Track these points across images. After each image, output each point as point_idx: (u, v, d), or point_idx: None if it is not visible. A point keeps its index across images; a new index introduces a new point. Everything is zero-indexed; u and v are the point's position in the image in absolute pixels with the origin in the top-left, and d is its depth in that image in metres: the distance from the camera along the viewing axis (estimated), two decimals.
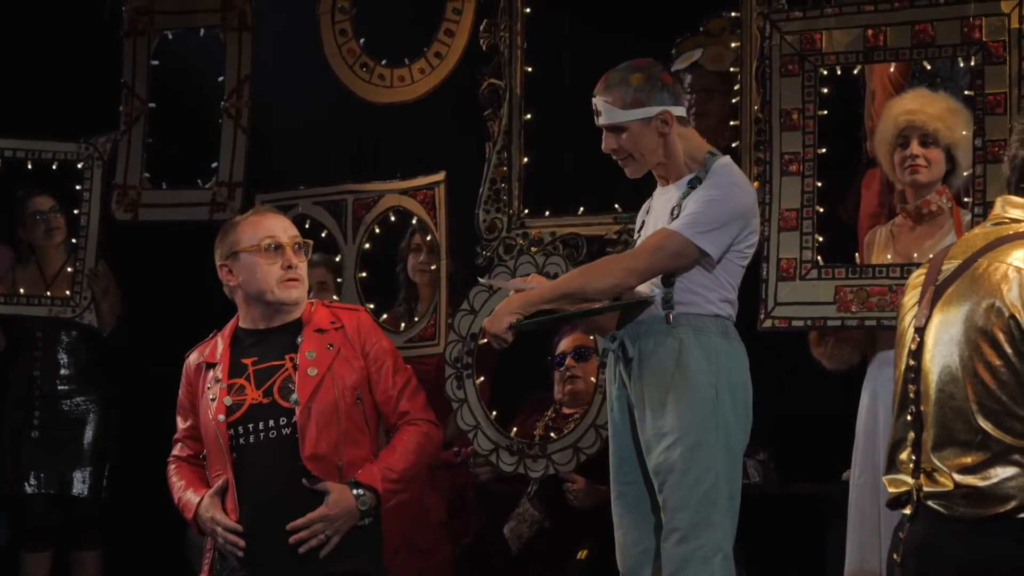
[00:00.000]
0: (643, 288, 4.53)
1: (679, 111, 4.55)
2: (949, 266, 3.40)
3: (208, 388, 4.64)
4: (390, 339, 4.93)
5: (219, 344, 4.71)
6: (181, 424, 4.81)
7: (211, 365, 4.68)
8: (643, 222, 4.71)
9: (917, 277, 3.51)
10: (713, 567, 4.40)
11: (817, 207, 5.44)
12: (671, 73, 4.68)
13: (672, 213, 4.50)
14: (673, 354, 4.45)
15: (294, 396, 4.55)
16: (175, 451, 4.83)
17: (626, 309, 4.60)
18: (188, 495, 4.68)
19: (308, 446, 4.53)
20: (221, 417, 4.56)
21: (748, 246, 4.55)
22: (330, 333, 4.66)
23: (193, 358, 4.78)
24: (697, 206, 4.45)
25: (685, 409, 4.41)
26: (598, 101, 4.56)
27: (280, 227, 4.69)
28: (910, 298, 3.48)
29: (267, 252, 4.63)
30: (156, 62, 7.05)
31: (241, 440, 4.57)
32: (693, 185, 4.51)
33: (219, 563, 4.64)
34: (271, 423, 4.56)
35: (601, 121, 4.57)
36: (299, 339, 4.64)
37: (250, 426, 4.56)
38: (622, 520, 4.60)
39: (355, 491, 4.54)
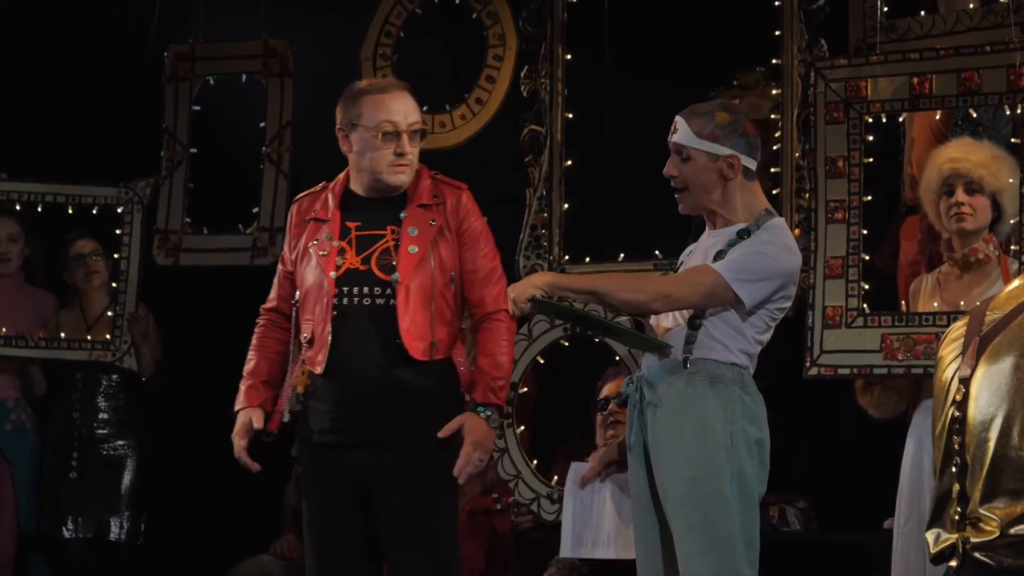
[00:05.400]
0: (670, 332, 4.51)
1: (750, 163, 4.51)
2: (993, 316, 3.37)
3: (317, 242, 4.69)
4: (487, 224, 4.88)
5: (329, 202, 4.75)
6: (280, 268, 4.87)
7: (320, 220, 4.73)
8: (682, 262, 4.70)
9: (957, 330, 3.47)
10: None
11: (863, 255, 5.43)
12: (755, 126, 4.64)
13: (715, 258, 4.49)
14: (689, 400, 4.41)
15: (395, 276, 4.59)
16: (270, 296, 4.89)
17: (643, 345, 4.59)
18: (245, 388, 4.77)
19: (405, 321, 4.57)
20: (333, 274, 4.61)
21: (779, 308, 4.50)
22: (432, 209, 4.69)
23: (303, 208, 4.81)
24: (744, 254, 4.44)
25: (701, 456, 4.37)
26: (680, 119, 4.56)
27: (402, 112, 4.68)
28: (950, 351, 3.44)
29: (384, 137, 4.65)
30: (197, 107, 7.10)
31: (345, 300, 4.61)
32: (742, 236, 4.47)
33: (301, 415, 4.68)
34: (365, 290, 4.60)
35: (674, 138, 4.55)
36: (403, 214, 4.67)
37: (344, 288, 4.61)
38: (643, 566, 4.55)
39: (482, 414, 4.62)
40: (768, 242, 4.45)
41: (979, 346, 3.35)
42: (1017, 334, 3.30)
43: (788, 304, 4.54)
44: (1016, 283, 3.47)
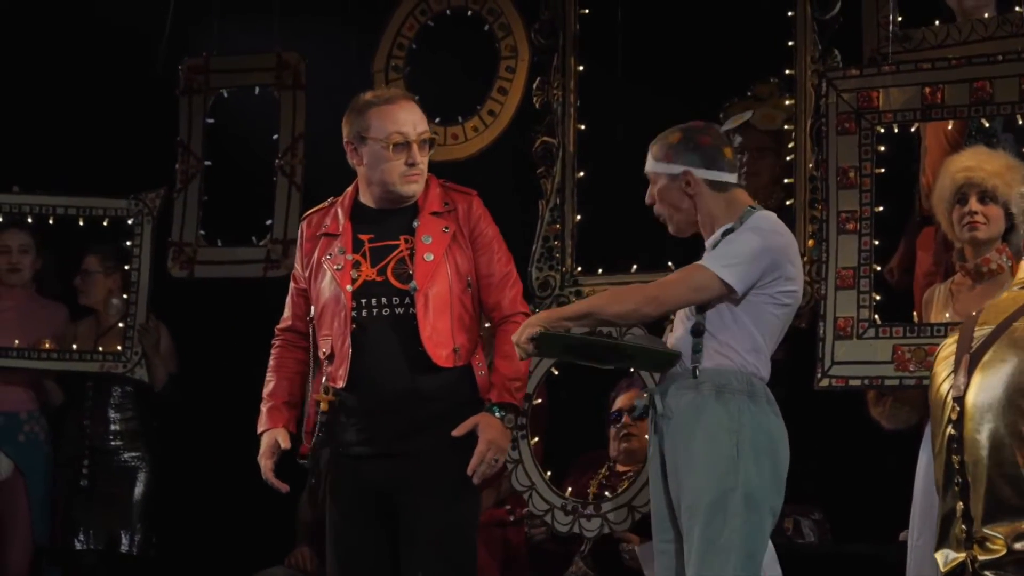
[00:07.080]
0: (676, 343, 4.49)
1: (710, 175, 4.47)
2: (982, 332, 3.37)
3: (330, 257, 4.70)
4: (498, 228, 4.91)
5: (340, 216, 4.77)
6: (292, 285, 4.89)
7: (332, 235, 4.74)
8: None
9: (948, 347, 3.47)
10: None
11: (874, 266, 5.42)
12: (722, 137, 4.57)
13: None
14: (695, 410, 4.39)
15: (413, 283, 4.61)
16: (284, 316, 4.90)
17: (651, 357, 4.60)
18: (266, 409, 4.77)
19: (426, 328, 4.60)
20: (349, 287, 4.63)
21: (782, 292, 4.41)
22: (445, 216, 4.72)
23: (313, 224, 4.83)
24: (726, 244, 4.41)
25: (705, 467, 4.35)
26: (649, 150, 4.59)
27: (411, 122, 4.70)
28: (942, 368, 3.44)
29: (395, 148, 4.66)
30: (211, 120, 7.12)
31: (363, 312, 4.63)
32: (727, 234, 4.45)
33: (323, 429, 4.68)
34: (383, 300, 4.63)
35: (646, 168, 4.59)
36: (416, 223, 4.69)
37: (363, 301, 4.63)
38: None
39: (497, 414, 4.65)
40: (749, 228, 4.42)
41: (970, 363, 3.35)
42: (1006, 348, 3.30)
43: (792, 289, 4.42)
44: (1002, 295, 3.46)
